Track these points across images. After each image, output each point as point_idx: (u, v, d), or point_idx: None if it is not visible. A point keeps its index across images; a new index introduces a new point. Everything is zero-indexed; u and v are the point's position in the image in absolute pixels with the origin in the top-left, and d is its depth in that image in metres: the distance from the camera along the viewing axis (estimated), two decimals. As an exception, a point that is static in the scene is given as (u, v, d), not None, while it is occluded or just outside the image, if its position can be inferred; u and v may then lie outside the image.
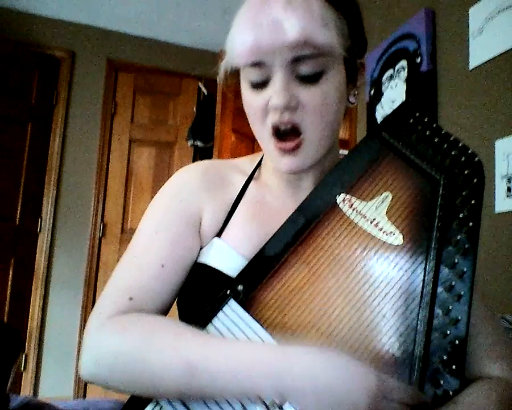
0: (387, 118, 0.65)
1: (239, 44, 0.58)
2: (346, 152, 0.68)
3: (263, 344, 0.54)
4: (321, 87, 0.59)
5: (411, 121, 0.64)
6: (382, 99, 2.04)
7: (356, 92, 0.67)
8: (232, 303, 0.57)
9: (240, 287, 0.58)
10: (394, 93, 1.96)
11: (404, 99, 1.88)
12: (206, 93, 3.31)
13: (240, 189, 0.70)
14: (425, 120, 0.63)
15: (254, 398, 0.50)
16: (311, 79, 0.58)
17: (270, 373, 0.49)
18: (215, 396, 0.51)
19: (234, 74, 0.65)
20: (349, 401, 0.48)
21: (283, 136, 0.61)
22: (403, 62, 1.91)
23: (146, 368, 0.52)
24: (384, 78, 2.04)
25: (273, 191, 0.71)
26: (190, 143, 3.22)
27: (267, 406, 0.50)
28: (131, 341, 0.54)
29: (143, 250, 0.63)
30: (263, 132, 0.63)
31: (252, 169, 0.73)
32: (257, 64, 0.59)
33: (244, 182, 0.71)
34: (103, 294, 0.60)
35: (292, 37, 0.55)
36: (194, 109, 3.35)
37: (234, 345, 0.53)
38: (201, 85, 3.35)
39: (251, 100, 0.62)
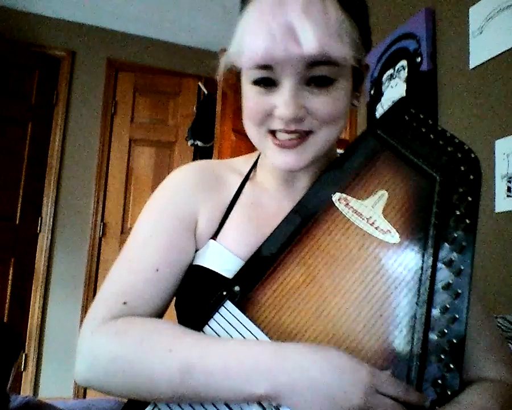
0: (383, 116, 0.65)
1: (249, 47, 0.54)
2: (342, 151, 0.68)
3: (256, 341, 0.54)
4: (332, 95, 0.57)
5: (407, 118, 0.64)
6: (382, 98, 2.03)
7: (358, 95, 0.65)
8: (228, 305, 0.56)
9: (236, 288, 0.57)
10: (394, 93, 1.95)
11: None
12: (206, 93, 3.31)
13: (236, 190, 0.69)
14: (421, 117, 0.63)
15: (248, 395, 0.49)
16: (322, 83, 0.56)
17: (263, 370, 0.49)
18: (210, 396, 0.51)
19: (235, 71, 0.62)
20: (342, 395, 0.48)
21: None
22: (403, 62, 1.91)
23: (141, 371, 0.52)
24: (384, 77, 2.03)
25: (269, 192, 0.70)
26: (190, 143, 3.21)
27: (264, 408, 0.49)
28: (126, 344, 0.53)
29: (138, 254, 0.62)
30: (259, 131, 0.61)
31: (248, 170, 0.72)
32: (265, 67, 0.56)
33: (240, 183, 0.70)
34: (98, 298, 0.60)
35: (307, 51, 0.52)
36: (194, 108, 3.35)
37: (228, 343, 0.53)
38: (201, 85, 3.35)
39: (253, 99, 0.59)
